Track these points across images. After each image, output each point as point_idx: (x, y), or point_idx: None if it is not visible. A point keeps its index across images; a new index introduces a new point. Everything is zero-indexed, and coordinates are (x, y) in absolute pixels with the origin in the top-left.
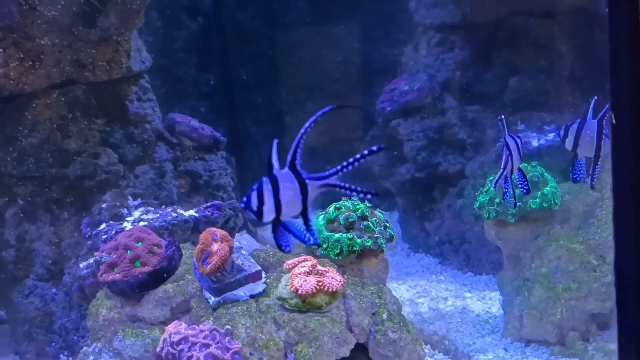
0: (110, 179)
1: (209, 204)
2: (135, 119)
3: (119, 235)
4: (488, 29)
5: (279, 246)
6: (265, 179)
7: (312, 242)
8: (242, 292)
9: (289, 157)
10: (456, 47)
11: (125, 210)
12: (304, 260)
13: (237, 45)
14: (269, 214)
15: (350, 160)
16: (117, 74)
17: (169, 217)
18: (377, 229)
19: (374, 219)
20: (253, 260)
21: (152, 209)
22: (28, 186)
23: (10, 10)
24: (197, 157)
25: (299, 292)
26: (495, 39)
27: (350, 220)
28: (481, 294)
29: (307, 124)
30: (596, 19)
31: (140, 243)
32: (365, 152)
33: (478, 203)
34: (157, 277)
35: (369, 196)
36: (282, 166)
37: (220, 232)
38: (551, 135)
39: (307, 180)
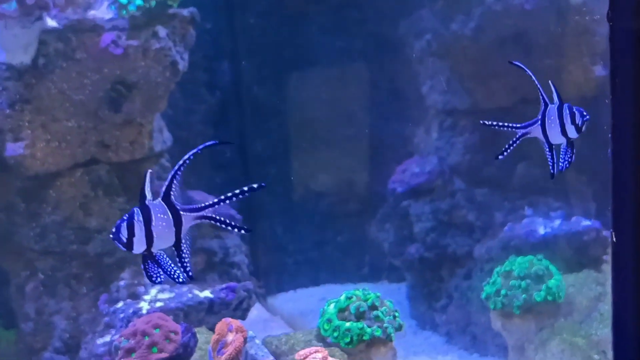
0: (129, 256)
1: (224, 286)
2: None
3: (137, 321)
4: (498, 115)
5: (149, 277)
6: (136, 210)
7: (181, 279)
8: None
9: (163, 188)
10: (466, 131)
11: (142, 289)
12: (315, 352)
13: (254, 119)
14: (139, 246)
15: (229, 194)
16: (140, 154)
17: (185, 299)
18: (387, 318)
19: (383, 308)
20: (266, 350)
21: (168, 286)
22: (49, 261)
23: (40, 94)
24: (213, 235)
25: None
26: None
27: (360, 310)
28: None
29: (185, 157)
30: (604, 107)
31: (157, 329)
32: (246, 188)
33: (485, 294)
34: None
35: (242, 231)
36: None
37: (235, 323)
38: (557, 222)
39: (182, 212)
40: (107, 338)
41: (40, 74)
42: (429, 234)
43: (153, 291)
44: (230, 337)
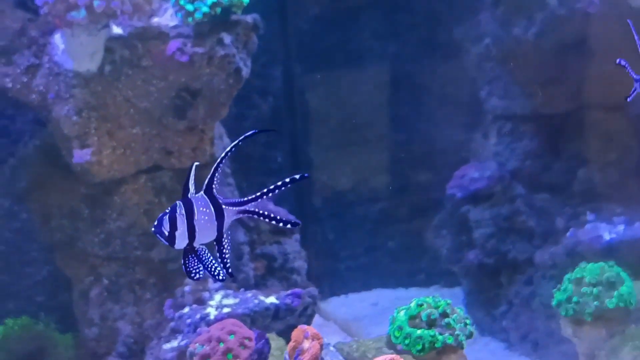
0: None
1: (289, 292)
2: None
3: (212, 327)
4: (558, 121)
5: (188, 273)
6: (178, 203)
7: (221, 277)
8: None
9: (206, 181)
10: (526, 137)
11: (207, 294)
12: (390, 359)
13: (305, 125)
14: (181, 240)
15: (271, 187)
16: (201, 160)
17: (251, 305)
18: (458, 325)
19: (454, 315)
20: (341, 357)
21: (232, 292)
22: (113, 267)
23: (106, 101)
24: (272, 241)
25: None
26: (565, 130)
27: (432, 317)
28: None
29: (228, 149)
30: None
31: (232, 336)
32: (287, 180)
33: (556, 301)
34: None
35: (289, 225)
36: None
37: (311, 330)
38: (621, 228)
39: (224, 206)
40: (174, 343)
41: (107, 82)
42: (489, 240)
43: (217, 296)
44: (306, 344)
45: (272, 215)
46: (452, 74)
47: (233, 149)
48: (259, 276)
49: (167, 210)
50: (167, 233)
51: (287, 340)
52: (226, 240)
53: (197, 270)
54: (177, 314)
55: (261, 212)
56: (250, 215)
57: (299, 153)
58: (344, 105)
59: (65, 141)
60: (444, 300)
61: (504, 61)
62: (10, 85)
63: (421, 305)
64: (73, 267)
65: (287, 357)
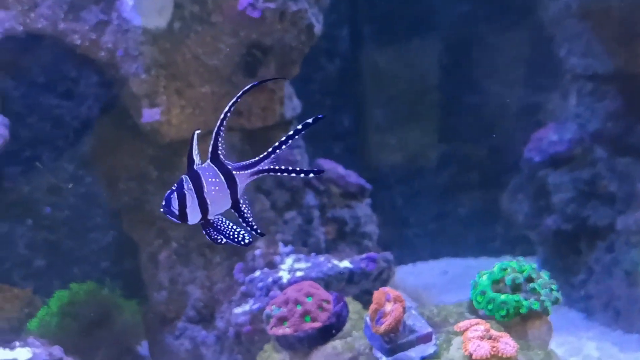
0: (263, 225)
1: (364, 256)
2: (285, 165)
3: (289, 289)
4: None
5: (214, 241)
6: (184, 178)
7: (246, 241)
8: (413, 353)
9: (210, 148)
10: (608, 97)
11: (278, 258)
12: (476, 324)
13: (373, 87)
14: (193, 216)
15: (282, 139)
16: (271, 121)
17: (325, 268)
18: (543, 291)
19: (540, 280)
20: (424, 321)
21: (303, 256)
22: (182, 230)
23: (175, 59)
24: (343, 204)
25: (473, 356)
26: None
27: (516, 282)
28: (636, 355)
29: (226, 109)
30: None
31: (310, 298)
32: (300, 126)
33: None
34: (327, 333)
35: (312, 174)
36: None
37: (393, 292)
38: None
39: (234, 171)
40: (246, 307)
41: (176, 38)
42: (568, 205)
43: (289, 260)
44: (388, 306)
45: (290, 168)
46: (527, 33)
47: (232, 108)
48: (329, 241)
49: (174, 187)
50: (177, 212)
51: (364, 304)
52: (244, 205)
53: (221, 239)
54: (247, 278)
55: (277, 167)
56: (267, 174)
57: (366, 117)
58: (413, 67)
59: (134, 100)
60: (528, 264)
61: (586, 17)
62: (78, 42)
63: (505, 269)
64: (141, 231)
65: (368, 320)
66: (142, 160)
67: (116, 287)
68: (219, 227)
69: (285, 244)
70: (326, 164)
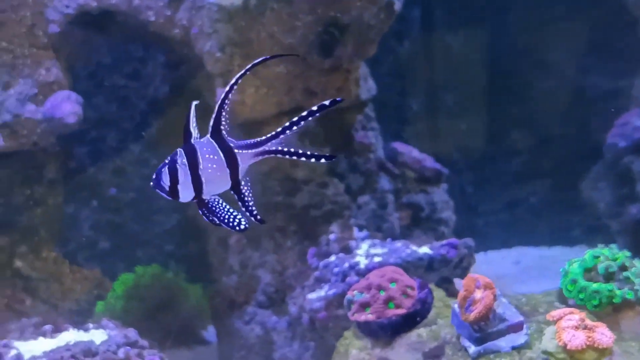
0: (336, 209)
1: (444, 242)
2: (359, 148)
3: (371, 275)
4: None
5: (211, 222)
6: (179, 151)
7: (242, 226)
8: (504, 342)
9: (211, 122)
10: None
11: (353, 242)
12: (570, 313)
13: (444, 70)
14: (185, 193)
15: (295, 119)
16: (346, 102)
17: (404, 254)
18: (637, 280)
19: (633, 269)
20: (514, 309)
21: (378, 241)
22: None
23: (250, 37)
24: (418, 189)
25: (568, 347)
26: None
27: (610, 270)
28: None
29: (233, 81)
30: None
31: (393, 284)
32: (315, 107)
33: None
34: (411, 320)
35: (323, 160)
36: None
37: (482, 279)
38: None
39: (237, 150)
40: (321, 293)
41: (251, 16)
42: None
43: (364, 245)
44: (478, 294)
45: (300, 151)
46: (609, 16)
47: (239, 80)
48: (404, 227)
49: (167, 161)
50: (167, 187)
51: (446, 291)
52: (245, 188)
53: (214, 221)
54: (322, 263)
55: (286, 150)
56: (274, 155)
57: (436, 101)
58: (486, 49)
59: (207, 80)
60: (621, 252)
61: None
62: (153, 18)
63: (597, 257)
64: None
65: (456, 307)
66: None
67: (180, 271)
68: (213, 208)
69: (360, 228)
70: (401, 147)
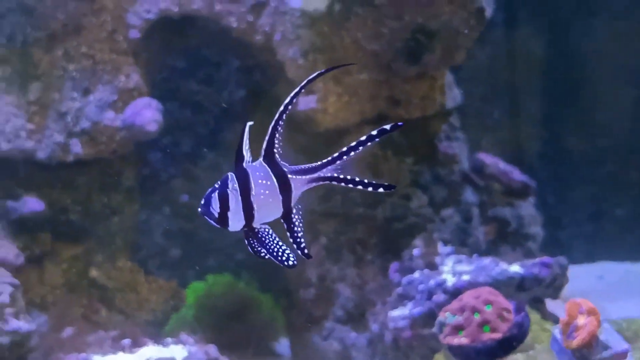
0: (419, 222)
1: (536, 260)
2: (444, 159)
3: (464, 295)
4: None
5: (256, 254)
6: (230, 176)
7: (291, 262)
8: None
9: (264, 145)
10: None
11: (438, 258)
12: None
13: (527, 76)
14: (236, 221)
15: (353, 144)
16: (430, 111)
17: (493, 272)
18: None
19: None
20: (618, 336)
21: (464, 257)
22: (332, 224)
23: (333, 43)
24: (505, 203)
25: None
26: None
27: None
28: None
29: (288, 100)
30: None
31: (489, 306)
32: (374, 132)
33: None
34: (507, 345)
35: (381, 189)
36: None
37: (586, 304)
38: None
39: (290, 175)
40: (405, 310)
41: (335, 22)
42: None
43: (449, 262)
44: (581, 320)
45: (357, 179)
46: None
47: (293, 101)
48: (489, 241)
49: (217, 185)
50: (216, 214)
51: (540, 313)
52: (296, 217)
53: (264, 252)
54: (405, 279)
55: (343, 177)
56: (329, 182)
57: (519, 108)
58: (571, 54)
59: (289, 86)
60: None
61: None
62: (235, 24)
63: None
64: (280, 224)
65: (557, 333)
66: (291, 149)
67: (253, 280)
68: (263, 238)
69: (444, 243)
70: (487, 159)
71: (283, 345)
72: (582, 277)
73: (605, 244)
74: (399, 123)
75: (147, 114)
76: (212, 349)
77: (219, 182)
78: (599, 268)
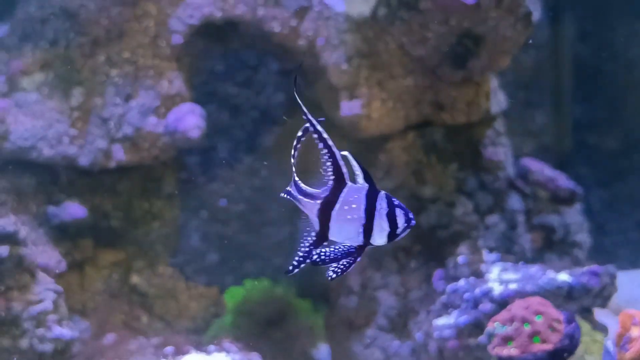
0: (464, 230)
1: (585, 269)
2: (488, 165)
3: (514, 306)
4: None
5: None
6: (385, 194)
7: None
8: None
9: (358, 169)
10: None
11: (483, 266)
12: None
13: (574, 81)
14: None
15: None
16: (475, 117)
17: (541, 281)
18: None
19: None
20: None
21: (510, 265)
22: None
23: (378, 48)
24: (551, 210)
25: None
26: None
27: None
28: None
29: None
30: None
31: (539, 317)
32: (300, 133)
33: None
34: (558, 357)
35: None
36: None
37: (639, 316)
38: None
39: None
40: (450, 320)
41: (380, 26)
42: None
43: (495, 270)
44: (635, 331)
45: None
46: None
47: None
48: (535, 249)
49: (396, 203)
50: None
51: (590, 324)
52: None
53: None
54: (450, 287)
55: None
56: None
57: (563, 113)
58: (620, 58)
59: (331, 92)
60: None
61: None
62: (278, 29)
63: None
64: None
65: (609, 345)
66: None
67: (291, 286)
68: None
69: (490, 250)
70: (533, 165)
71: (322, 351)
72: (628, 284)
73: None
74: (321, 118)
75: (190, 120)
76: (256, 357)
77: (390, 202)
78: None
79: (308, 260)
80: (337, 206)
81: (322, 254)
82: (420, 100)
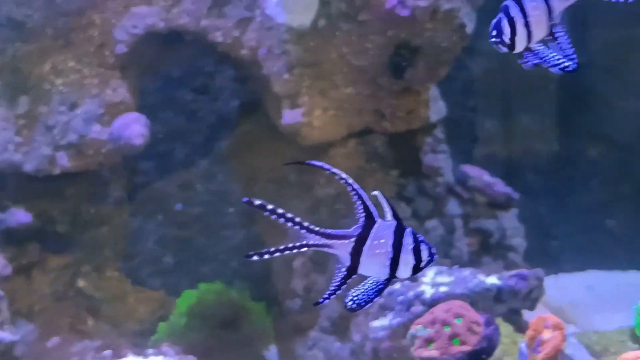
0: None
1: (513, 273)
2: (428, 171)
3: (435, 309)
4: None
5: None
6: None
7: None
8: None
9: (388, 208)
10: None
11: None
12: None
13: (520, 89)
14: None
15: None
16: (416, 124)
17: (471, 284)
18: None
19: None
20: (585, 351)
21: (445, 269)
22: None
23: (319, 58)
24: (488, 215)
25: None
26: None
27: None
28: None
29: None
30: None
31: (459, 319)
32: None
33: None
34: (475, 358)
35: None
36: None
37: (552, 319)
38: None
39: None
40: (385, 321)
41: (321, 37)
42: None
43: (430, 273)
44: (546, 334)
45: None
46: None
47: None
48: (472, 253)
49: (420, 238)
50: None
51: (514, 326)
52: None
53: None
54: (386, 290)
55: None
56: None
57: (512, 119)
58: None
59: (274, 100)
60: None
61: None
62: (220, 39)
63: None
64: (275, 235)
65: (523, 347)
66: (281, 162)
67: (245, 289)
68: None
69: None
70: (471, 171)
71: (272, 352)
72: (571, 287)
73: (595, 255)
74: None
75: (135, 128)
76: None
77: (410, 237)
78: (588, 277)
79: (347, 308)
80: (368, 242)
81: (356, 298)
82: (361, 109)
